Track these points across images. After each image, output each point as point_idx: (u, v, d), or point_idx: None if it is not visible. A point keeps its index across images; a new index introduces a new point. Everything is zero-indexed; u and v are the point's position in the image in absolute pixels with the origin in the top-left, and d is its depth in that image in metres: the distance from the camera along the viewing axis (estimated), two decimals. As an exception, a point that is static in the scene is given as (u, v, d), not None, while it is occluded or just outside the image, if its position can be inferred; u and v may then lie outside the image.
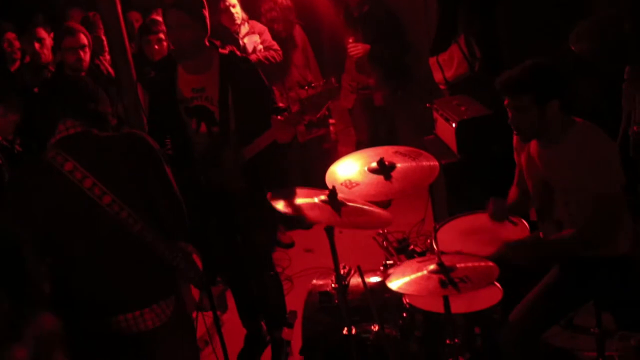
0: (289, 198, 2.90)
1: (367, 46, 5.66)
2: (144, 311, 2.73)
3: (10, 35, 5.17)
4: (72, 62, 4.45)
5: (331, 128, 5.95)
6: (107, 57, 4.93)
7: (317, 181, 3.19)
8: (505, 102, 3.07)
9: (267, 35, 5.56)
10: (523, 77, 2.99)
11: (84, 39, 4.50)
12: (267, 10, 5.70)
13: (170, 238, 2.80)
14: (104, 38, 4.84)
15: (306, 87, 3.46)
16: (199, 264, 2.93)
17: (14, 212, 2.65)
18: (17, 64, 5.31)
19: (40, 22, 5.55)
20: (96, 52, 5.13)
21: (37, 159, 2.73)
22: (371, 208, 2.96)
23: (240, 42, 5.42)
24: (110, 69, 4.98)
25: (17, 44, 5.23)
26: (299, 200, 2.90)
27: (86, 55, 4.50)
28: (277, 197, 2.88)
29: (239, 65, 3.70)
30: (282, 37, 5.66)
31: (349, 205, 2.88)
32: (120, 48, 3.99)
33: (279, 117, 3.43)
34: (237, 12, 5.42)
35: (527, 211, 3.46)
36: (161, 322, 2.77)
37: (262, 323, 4.22)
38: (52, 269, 2.60)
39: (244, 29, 5.50)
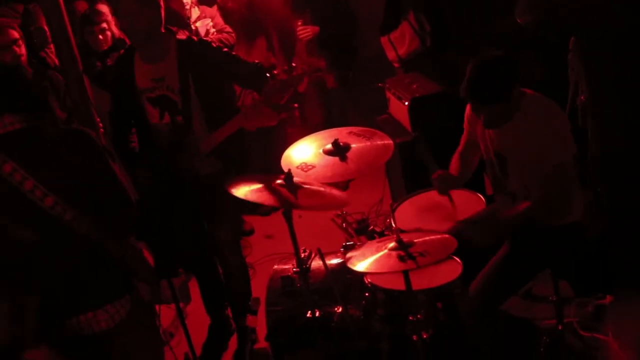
0: (245, 185, 2.89)
1: (316, 28, 5.62)
2: (97, 312, 2.67)
3: None
4: (9, 61, 4.16)
5: (296, 112, 5.93)
6: (53, 48, 4.80)
7: (279, 165, 3.17)
8: (471, 106, 3.06)
9: (219, 19, 5.50)
10: (495, 86, 2.91)
11: (14, 34, 4.25)
12: None
13: (119, 236, 2.74)
14: (46, 29, 4.69)
15: (269, 75, 3.45)
16: (150, 259, 2.89)
17: None
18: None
19: None
20: (41, 44, 4.98)
21: None
22: (328, 190, 2.97)
23: (192, 26, 5.35)
24: (56, 60, 4.84)
25: None
26: (255, 187, 2.89)
27: (21, 49, 4.27)
28: (235, 185, 2.87)
29: (198, 50, 3.64)
30: (244, 19, 5.59)
31: (305, 188, 2.88)
32: (64, 39, 3.88)
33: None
34: None
35: (466, 181, 3.49)
36: (115, 323, 2.70)
37: (228, 311, 4.21)
38: None
39: (195, 13, 5.42)
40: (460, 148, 3.46)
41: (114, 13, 4.79)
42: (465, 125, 3.38)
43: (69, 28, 3.85)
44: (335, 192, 3.00)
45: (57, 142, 2.62)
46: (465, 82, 2.95)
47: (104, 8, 4.87)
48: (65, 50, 3.88)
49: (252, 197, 2.84)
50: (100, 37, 4.79)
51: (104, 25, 4.79)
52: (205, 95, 3.61)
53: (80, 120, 3.88)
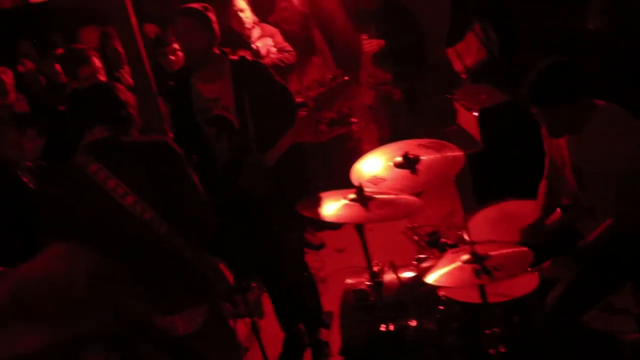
0: (317, 205, 2.90)
1: (382, 41, 5.64)
2: (174, 317, 2.73)
3: (26, 60, 5.22)
4: None
5: (353, 127, 5.96)
6: (127, 68, 4.97)
7: (341, 181, 3.18)
8: (534, 111, 3.00)
9: (279, 37, 5.57)
10: (556, 88, 2.88)
11: (97, 62, 4.37)
12: (281, 9, 5.70)
13: (198, 245, 2.80)
14: (121, 51, 4.86)
15: (317, 85, 3.49)
16: (228, 275, 2.93)
17: (47, 214, 2.69)
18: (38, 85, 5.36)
19: (59, 43, 5.62)
20: (116, 65, 5.16)
21: (65, 163, 2.76)
22: (400, 196, 2.94)
23: (253, 46, 5.44)
24: (130, 80, 5.01)
25: (33, 66, 5.26)
26: (328, 205, 2.90)
27: (102, 77, 4.41)
28: (306, 207, 2.89)
29: (251, 70, 3.71)
30: (298, 38, 5.67)
31: (377, 198, 2.87)
32: (138, 60, 4.02)
33: (302, 112, 3.44)
34: (247, 16, 5.42)
35: (556, 207, 3.41)
36: (192, 330, 2.76)
37: (301, 326, 4.23)
38: None
39: (256, 33, 5.51)
40: (545, 172, 3.39)
41: None
42: (545, 145, 3.31)
43: (142, 49, 3.99)
44: (408, 197, 2.97)
45: (139, 149, 2.75)
46: (526, 84, 2.92)
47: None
48: (138, 70, 4.01)
49: (324, 217, 2.85)
50: (172, 57, 4.94)
51: (175, 45, 4.93)
52: (260, 113, 3.65)
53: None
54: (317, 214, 2.83)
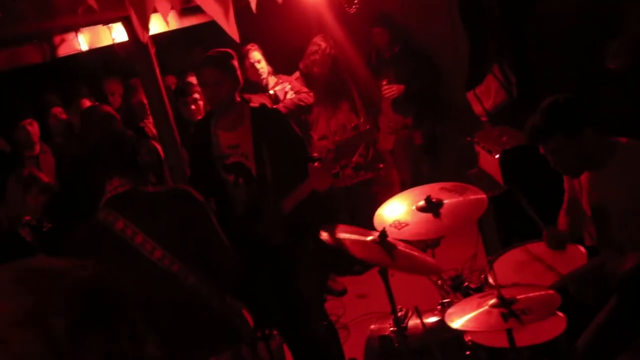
0: (340, 235, 2.89)
1: (402, 86, 5.69)
2: None
3: (57, 110, 5.32)
4: None
5: (381, 172, 5.97)
6: (151, 118, 5.06)
7: (366, 226, 3.18)
8: (541, 149, 3.04)
9: (295, 83, 5.66)
10: (544, 122, 2.95)
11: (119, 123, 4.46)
12: (311, 53, 5.79)
13: (223, 290, 2.79)
14: (145, 102, 4.96)
15: (343, 129, 3.50)
16: (249, 318, 2.92)
17: None
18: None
19: (84, 94, 5.74)
20: (140, 115, 5.25)
21: (90, 221, 2.77)
22: (420, 255, 2.94)
23: (271, 91, 5.53)
24: (154, 130, 5.09)
25: (64, 117, 5.36)
26: (352, 238, 2.89)
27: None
28: (329, 233, 2.87)
29: (271, 118, 3.75)
30: (328, 82, 5.75)
31: (399, 250, 2.87)
32: (162, 111, 4.10)
33: (315, 164, 3.46)
34: (262, 67, 5.55)
35: (575, 238, 3.39)
36: None
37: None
38: None
39: (272, 81, 5.61)
40: (564, 205, 3.38)
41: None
42: (565, 183, 3.31)
43: (166, 100, 4.06)
44: (427, 258, 2.97)
45: (160, 199, 2.77)
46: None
47: (194, 80, 5.10)
48: (162, 120, 4.08)
49: (350, 248, 2.82)
50: (193, 107, 5.02)
51: (196, 95, 5.02)
52: (278, 162, 3.67)
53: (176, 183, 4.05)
54: (339, 244, 2.80)
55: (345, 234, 2.90)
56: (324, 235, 2.83)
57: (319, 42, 5.77)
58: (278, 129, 3.72)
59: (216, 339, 2.79)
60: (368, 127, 3.57)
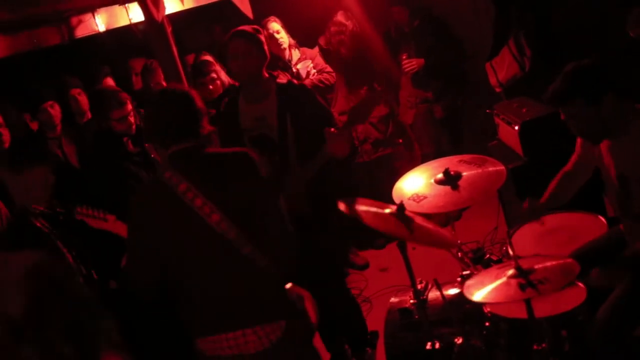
0: (358, 207, 2.89)
1: (422, 60, 5.66)
2: (246, 331, 2.62)
3: (75, 91, 5.34)
4: (123, 129, 4.10)
5: (399, 148, 5.96)
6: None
7: (387, 200, 3.18)
8: (561, 114, 3.04)
9: (319, 59, 5.63)
10: (565, 86, 2.96)
11: (129, 105, 4.18)
12: (336, 33, 5.75)
13: (281, 261, 2.74)
14: (164, 84, 4.98)
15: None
16: (312, 315, 2.86)
17: (142, 231, 2.69)
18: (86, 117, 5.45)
19: (107, 73, 5.78)
20: None
21: (155, 180, 2.79)
22: (436, 230, 2.94)
23: (294, 68, 5.51)
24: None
25: (82, 98, 5.36)
26: (372, 210, 2.90)
27: (132, 118, 4.20)
28: (348, 206, 2.86)
29: (297, 94, 3.79)
30: (348, 59, 5.72)
31: (416, 223, 2.88)
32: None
33: (331, 129, 3.48)
34: (282, 37, 5.48)
35: (566, 199, 3.39)
36: (264, 347, 2.64)
37: (346, 346, 4.21)
38: (163, 288, 2.68)
39: (295, 55, 5.58)
40: (567, 167, 3.37)
41: (219, 59, 5.00)
42: (578, 147, 3.29)
43: (185, 81, 4.08)
44: (444, 232, 2.97)
45: (222, 161, 2.76)
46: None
47: (209, 57, 5.09)
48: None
49: (368, 220, 2.79)
50: (211, 87, 4.98)
51: (214, 75, 4.98)
52: (302, 135, 3.72)
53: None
54: (359, 216, 2.79)
55: (363, 206, 2.91)
56: (342, 207, 2.83)
57: (344, 22, 5.73)
58: (304, 103, 3.77)
59: (267, 307, 2.70)
60: (378, 90, 3.58)
